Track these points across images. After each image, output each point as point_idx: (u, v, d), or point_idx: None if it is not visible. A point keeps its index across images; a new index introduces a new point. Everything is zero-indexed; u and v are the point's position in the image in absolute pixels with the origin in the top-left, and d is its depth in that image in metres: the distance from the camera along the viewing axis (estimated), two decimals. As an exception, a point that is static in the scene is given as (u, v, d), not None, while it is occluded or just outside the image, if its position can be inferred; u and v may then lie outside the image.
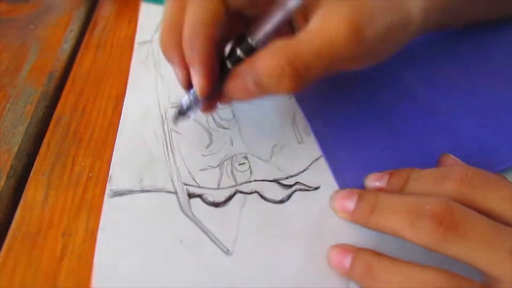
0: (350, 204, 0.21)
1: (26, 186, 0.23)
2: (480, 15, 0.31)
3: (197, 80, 0.21)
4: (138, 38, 0.31)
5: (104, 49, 0.31)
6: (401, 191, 0.21)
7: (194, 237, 0.21)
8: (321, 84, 0.25)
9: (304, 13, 0.22)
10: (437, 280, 0.17)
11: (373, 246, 0.21)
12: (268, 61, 0.20)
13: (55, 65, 0.30)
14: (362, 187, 0.23)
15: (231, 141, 0.26)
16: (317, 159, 0.25)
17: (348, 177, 0.24)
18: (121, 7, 0.34)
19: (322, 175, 0.24)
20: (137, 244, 0.21)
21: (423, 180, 0.20)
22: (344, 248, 0.20)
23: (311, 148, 0.26)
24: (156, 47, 0.30)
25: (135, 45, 0.30)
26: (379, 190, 0.22)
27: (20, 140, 0.26)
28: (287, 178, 0.24)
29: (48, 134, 0.26)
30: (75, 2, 0.35)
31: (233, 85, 0.21)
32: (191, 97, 0.22)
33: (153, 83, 0.28)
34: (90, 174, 0.24)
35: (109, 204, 0.22)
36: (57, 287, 0.20)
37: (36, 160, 0.24)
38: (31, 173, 0.24)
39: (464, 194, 0.19)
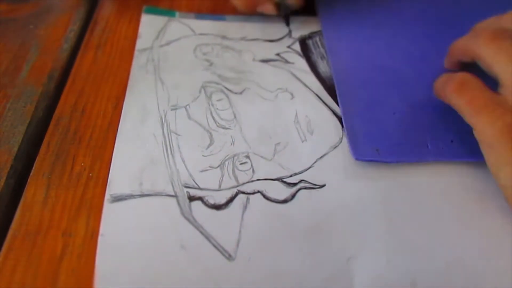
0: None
1: (26, 186, 0.23)
2: None
3: None
4: (138, 46, 0.31)
5: (104, 49, 0.31)
6: None
7: (195, 242, 0.21)
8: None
9: None
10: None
11: (375, 248, 0.21)
12: None
13: (55, 65, 0.30)
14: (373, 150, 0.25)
15: (232, 140, 0.26)
16: (321, 157, 0.25)
17: (361, 142, 0.25)
18: (122, 7, 0.34)
19: (328, 173, 0.24)
20: (138, 251, 0.21)
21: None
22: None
23: (315, 146, 0.25)
24: (156, 53, 0.30)
25: (135, 53, 0.30)
26: None
27: (20, 140, 0.25)
28: (291, 176, 0.24)
29: (48, 134, 0.26)
30: (75, 2, 0.35)
31: None
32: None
33: (152, 87, 0.28)
34: (90, 174, 0.24)
35: (108, 210, 0.22)
36: (57, 287, 0.20)
37: (36, 160, 0.24)
38: (31, 173, 0.24)
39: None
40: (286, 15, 0.33)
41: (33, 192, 0.23)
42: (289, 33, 0.33)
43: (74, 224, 0.22)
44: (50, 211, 0.22)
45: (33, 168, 0.24)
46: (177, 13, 0.34)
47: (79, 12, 0.34)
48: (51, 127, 0.26)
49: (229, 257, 0.21)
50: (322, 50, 0.32)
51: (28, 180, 0.24)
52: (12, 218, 0.22)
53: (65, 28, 0.33)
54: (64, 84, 0.29)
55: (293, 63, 0.31)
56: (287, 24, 0.33)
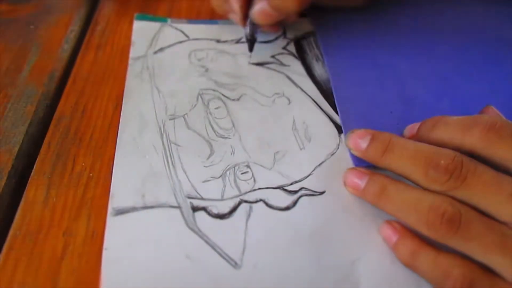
0: (363, 143, 0.23)
1: (27, 186, 0.24)
2: None
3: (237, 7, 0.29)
4: (132, 54, 0.31)
5: (104, 49, 0.31)
6: (429, 135, 0.23)
7: (201, 252, 0.21)
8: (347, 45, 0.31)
9: None
10: (442, 204, 0.20)
11: (379, 250, 0.22)
12: None
13: (55, 65, 0.30)
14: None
15: (232, 150, 0.26)
16: (320, 164, 0.25)
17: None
18: (122, 8, 0.34)
19: (327, 180, 0.24)
20: (143, 263, 0.21)
21: (452, 126, 0.22)
22: (361, 170, 0.23)
23: (313, 153, 0.25)
24: (150, 61, 0.30)
25: (130, 61, 0.30)
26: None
27: (21, 140, 0.26)
28: (291, 184, 0.24)
29: (48, 134, 0.26)
30: (76, 2, 0.35)
31: (256, 11, 0.28)
32: (249, 25, 0.30)
33: (149, 96, 0.28)
34: (91, 174, 0.24)
35: (112, 223, 0.22)
36: (58, 287, 0.20)
37: (37, 160, 0.25)
38: (32, 173, 0.24)
39: (490, 141, 0.20)
40: (250, 36, 0.30)
41: (33, 192, 0.23)
42: (284, 34, 0.33)
43: (75, 224, 0.22)
44: (51, 211, 0.23)
45: (34, 168, 0.24)
46: (169, 20, 0.34)
47: (80, 13, 0.35)
48: (51, 127, 0.26)
49: (235, 265, 0.21)
50: (317, 51, 0.32)
51: (29, 180, 0.24)
52: (13, 218, 0.22)
53: (66, 28, 0.33)
54: (65, 84, 0.29)
55: (288, 65, 0.31)
56: (250, 49, 0.31)
